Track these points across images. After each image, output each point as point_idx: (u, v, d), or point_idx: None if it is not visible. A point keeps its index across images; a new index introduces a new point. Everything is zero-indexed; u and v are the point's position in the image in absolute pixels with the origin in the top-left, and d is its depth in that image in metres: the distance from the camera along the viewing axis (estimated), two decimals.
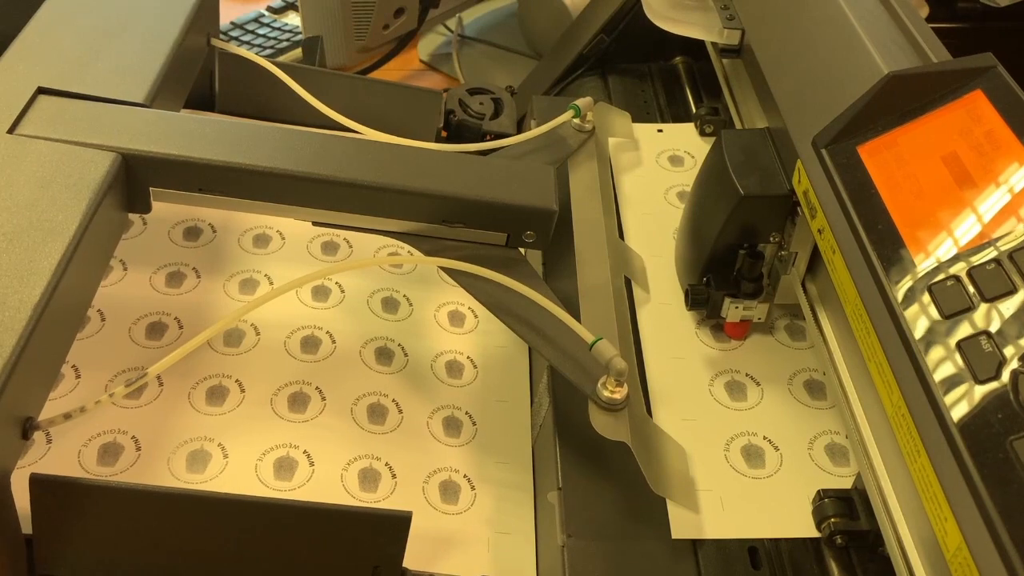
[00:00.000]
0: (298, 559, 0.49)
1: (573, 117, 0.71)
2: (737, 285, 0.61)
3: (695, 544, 0.52)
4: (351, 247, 0.72)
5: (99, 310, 0.64)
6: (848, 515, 0.51)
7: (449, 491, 0.58)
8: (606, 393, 0.52)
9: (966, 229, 0.44)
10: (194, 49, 0.68)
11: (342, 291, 0.68)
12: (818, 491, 0.53)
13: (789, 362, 0.62)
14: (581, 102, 0.71)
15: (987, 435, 0.37)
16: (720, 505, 0.54)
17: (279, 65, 0.71)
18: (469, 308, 0.69)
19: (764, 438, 0.58)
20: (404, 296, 0.69)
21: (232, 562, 0.49)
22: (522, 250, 0.61)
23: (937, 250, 0.44)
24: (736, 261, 0.60)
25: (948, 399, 0.39)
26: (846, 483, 0.54)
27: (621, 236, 0.71)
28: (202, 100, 0.75)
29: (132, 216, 0.67)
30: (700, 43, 0.84)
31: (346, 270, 0.69)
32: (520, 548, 0.55)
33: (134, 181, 0.55)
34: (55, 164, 0.52)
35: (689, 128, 0.81)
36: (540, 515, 0.57)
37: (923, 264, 0.44)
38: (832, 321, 0.56)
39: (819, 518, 0.52)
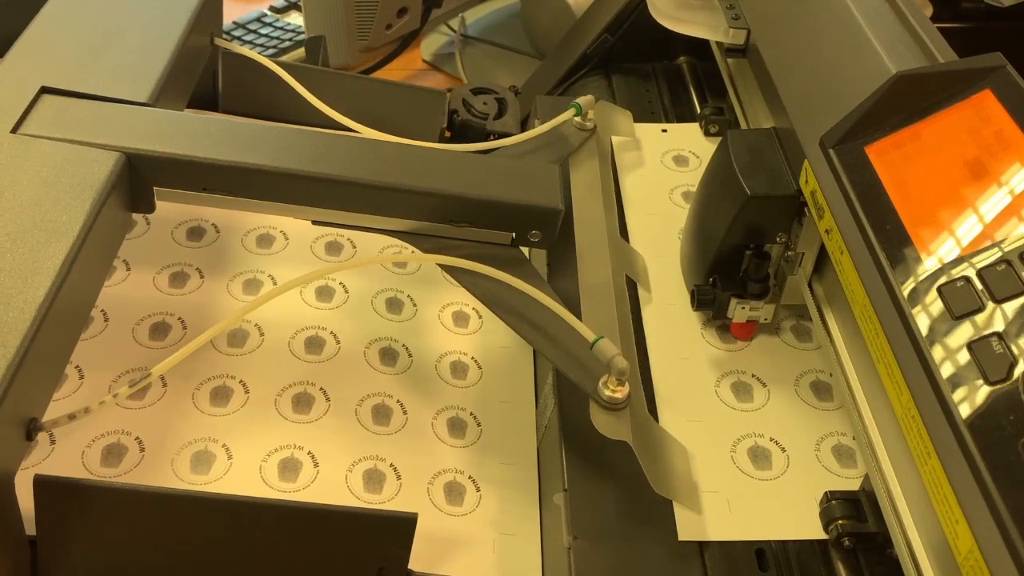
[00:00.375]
0: (303, 561, 0.49)
1: (575, 116, 0.71)
2: (743, 286, 0.61)
3: (701, 546, 0.52)
4: (355, 247, 0.72)
5: (102, 310, 0.64)
6: (856, 517, 0.51)
7: (454, 492, 0.57)
8: (607, 392, 0.52)
9: (975, 229, 0.44)
10: (198, 49, 0.68)
11: (346, 292, 0.68)
12: (825, 493, 0.53)
13: (796, 363, 0.62)
14: (582, 100, 0.71)
15: (999, 437, 0.37)
16: (727, 507, 0.54)
17: (282, 65, 0.71)
18: (473, 308, 0.69)
19: (771, 439, 0.57)
20: (408, 296, 0.69)
21: (237, 563, 0.49)
22: (526, 250, 0.61)
23: (946, 251, 0.44)
24: (742, 261, 0.60)
25: (959, 400, 0.39)
26: (853, 485, 0.54)
27: (624, 236, 0.70)
28: (205, 100, 0.75)
29: (135, 216, 0.67)
30: (704, 43, 0.84)
31: (348, 268, 0.69)
32: (525, 550, 0.55)
33: (138, 180, 0.55)
34: (59, 164, 0.52)
35: (694, 128, 0.81)
36: (545, 517, 0.57)
37: (932, 265, 0.44)
38: (839, 322, 0.56)
39: (826, 520, 0.52)
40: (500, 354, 0.66)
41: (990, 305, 0.41)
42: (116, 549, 0.48)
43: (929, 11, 0.82)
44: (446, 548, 0.54)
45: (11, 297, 0.44)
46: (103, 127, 0.55)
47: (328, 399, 0.60)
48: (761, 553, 0.52)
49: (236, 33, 1.06)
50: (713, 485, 0.55)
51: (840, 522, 0.51)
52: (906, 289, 0.44)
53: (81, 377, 0.60)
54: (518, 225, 0.58)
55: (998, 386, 0.38)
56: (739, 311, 0.61)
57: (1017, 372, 0.38)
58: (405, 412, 0.61)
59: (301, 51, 1.02)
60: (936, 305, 0.42)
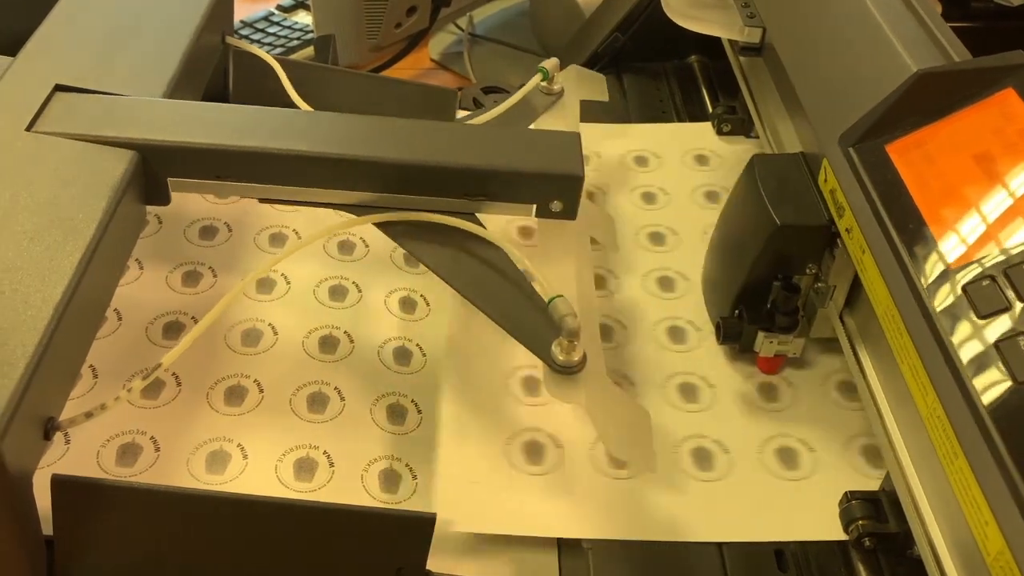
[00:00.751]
0: (321, 561, 0.48)
1: (542, 80, 0.70)
2: (771, 319, 0.58)
3: (721, 547, 0.52)
4: (367, 247, 0.71)
5: (116, 309, 0.64)
6: (876, 517, 0.51)
7: None
8: (561, 356, 0.50)
9: (1000, 228, 0.44)
10: (210, 47, 0.68)
11: (359, 291, 0.68)
12: (845, 493, 0.53)
13: (823, 366, 0.62)
14: (548, 63, 0.69)
15: None
16: (748, 507, 0.54)
17: (291, 64, 0.70)
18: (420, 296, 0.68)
19: (799, 440, 0.57)
20: (421, 296, 0.68)
21: (255, 563, 0.49)
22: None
23: (970, 250, 0.44)
24: (770, 292, 0.58)
25: (986, 400, 0.39)
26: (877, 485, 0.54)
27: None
28: (215, 98, 0.74)
29: (148, 215, 0.66)
30: (715, 41, 0.83)
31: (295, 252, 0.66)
32: (543, 550, 0.55)
33: (152, 173, 0.54)
34: (74, 161, 0.51)
35: (706, 127, 0.81)
36: None
37: (956, 264, 0.43)
38: (873, 357, 0.54)
39: (847, 520, 0.52)
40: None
41: (1017, 304, 0.41)
42: (133, 549, 0.48)
43: (938, 10, 0.82)
44: (463, 548, 0.54)
45: (29, 296, 0.44)
46: (116, 121, 0.54)
47: (343, 399, 0.60)
48: (780, 554, 0.52)
49: (244, 32, 1.06)
50: (740, 485, 0.55)
51: (860, 522, 0.51)
52: (930, 288, 0.43)
53: (95, 377, 0.59)
54: (538, 196, 0.56)
55: None
56: (766, 345, 0.59)
57: None
58: (420, 412, 0.61)
59: (310, 50, 1.02)
60: (961, 304, 0.42)
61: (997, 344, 0.40)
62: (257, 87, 0.74)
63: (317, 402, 0.60)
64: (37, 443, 0.44)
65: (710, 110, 0.83)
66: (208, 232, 0.71)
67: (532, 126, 0.67)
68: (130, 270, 0.67)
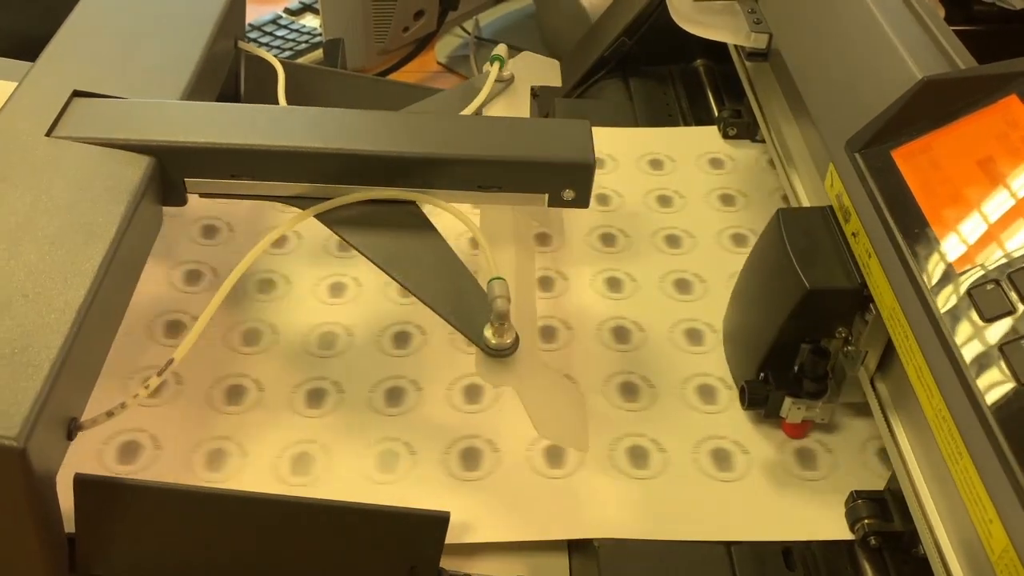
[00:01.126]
0: (335, 558, 0.49)
1: (500, 69, 0.70)
2: (799, 383, 0.55)
3: (729, 546, 0.53)
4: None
5: None
6: (881, 516, 0.52)
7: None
8: (493, 340, 0.50)
9: (1004, 233, 0.44)
10: (223, 52, 0.69)
11: (359, 284, 0.68)
12: (851, 492, 0.53)
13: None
14: (499, 49, 0.70)
15: None
16: (756, 506, 0.55)
17: (299, 68, 0.71)
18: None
19: (816, 440, 0.58)
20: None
21: (271, 560, 0.50)
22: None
23: (975, 254, 0.44)
24: (797, 355, 0.55)
25: (991, 401, 0.40)
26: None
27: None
28: (228, 102, 0.75)
29: None
30: (721, 46, 0.84)
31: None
32: (553, 548, 0.55)
33: (168, 174, 0.55)
34: (93, 165, 0.52)
35: (712, 131, 0.82)
36: None
37: (961, 268, 0.44)
38: (906, 425, 0.51)
39: (853, 520, 0.52)
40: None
41: (1020, 307, 0.41)
42: (152, 547, 0.49)
43: (941, 13, 0.82)
44: (475, 546, 0.55)
45: (52, 299, 0.45)
46: (133, 125, 0.55)
47: (341, 391, 0.61)
48: (788, 553, 0.53)
49: (252, 35, 1.07)
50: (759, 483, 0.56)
51: (866, 521, 0.51)
52: (935, 292, 0.44)
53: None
54: (551, 185, 0.57)
55: None
56: (794, 411, 0.56)
57: None
58: (419, 389, 0.61)
59: (318, 53, 1.03)
60: (966, 307, 0.43)
61: (1001, 346, 0.41)
62: (269, 91, 0.75)
63: (314, 398, 0.60)
64: (61, 443, 0.45)
65: (716, 114, 0.84)
66: (209, 231, 0.72)
67: (484, 112, 0.69)
68: None
